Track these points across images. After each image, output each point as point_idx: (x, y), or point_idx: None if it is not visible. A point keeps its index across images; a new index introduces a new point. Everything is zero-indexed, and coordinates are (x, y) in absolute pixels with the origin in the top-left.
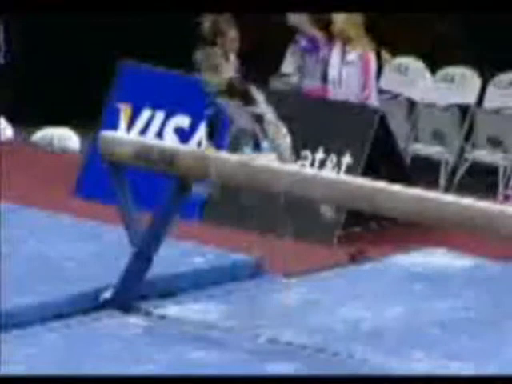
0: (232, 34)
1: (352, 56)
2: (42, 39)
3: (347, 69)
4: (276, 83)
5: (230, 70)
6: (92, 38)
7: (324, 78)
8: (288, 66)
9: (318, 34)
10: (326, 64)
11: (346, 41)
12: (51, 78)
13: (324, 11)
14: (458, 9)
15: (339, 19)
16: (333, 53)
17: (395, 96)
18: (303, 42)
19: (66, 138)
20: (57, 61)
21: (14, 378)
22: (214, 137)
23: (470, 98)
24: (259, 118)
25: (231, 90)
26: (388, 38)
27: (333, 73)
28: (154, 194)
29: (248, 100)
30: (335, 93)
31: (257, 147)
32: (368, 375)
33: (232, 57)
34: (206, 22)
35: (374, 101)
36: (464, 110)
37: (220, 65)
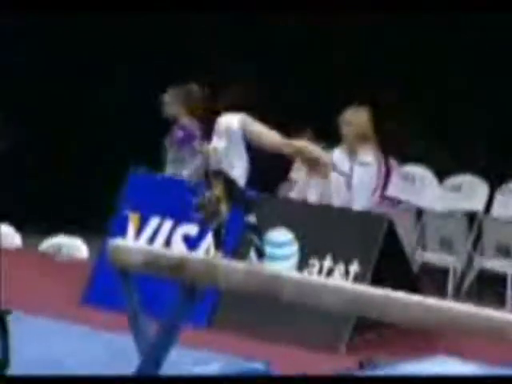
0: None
1: (368, 157)
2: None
3: (360, 170)
4: (285, 190)
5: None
6: (101, 142)
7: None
8: (297, 172)
9: (195, 125)
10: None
11: (358, 142)
12: (59, 186)
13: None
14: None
15: (354, 123)
16: (334, 153)
17: (403, 204)
18: (179, 133)
19: (74, 246)
20: (64, 170)
21: (15, 377)
22: (221, 245)
23: (478, 206)
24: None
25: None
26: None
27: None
28: (162, 301)
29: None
30: (338, 194)
31: (259, 255)
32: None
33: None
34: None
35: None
36: (472, 217)
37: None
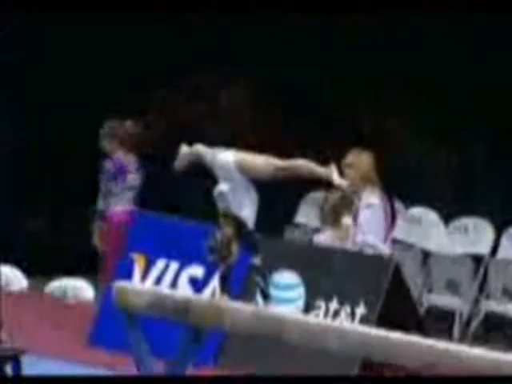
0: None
1: (372, 199)
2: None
3: (366, 212)
4: (290, 233)
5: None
6: None
7: (134, 201)
8: (303, 216)
9: (127, 158)
10: (135, 187)
11: (362, 185)
12: (63, 227)
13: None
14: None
15: (356, 166)
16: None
17: (409, 246)
18: (110, 167)
19: (80, 288)
20: (68, 212)
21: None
22: (227, 287)
23: (484, 249)
24: (258, 269)
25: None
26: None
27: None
28: (168, 343)
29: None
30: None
31: (265, 298)
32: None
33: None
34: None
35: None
36: (478, 260)
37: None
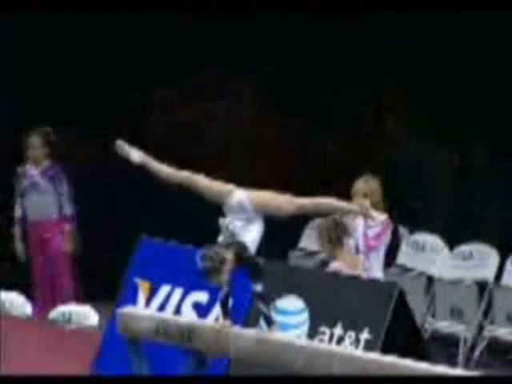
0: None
1: (375, 221)
2: None
3: (366, 231)
4: (295, 258)
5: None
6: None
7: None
8: (307, 241)
9: (55, 167)
10: (64, 195)
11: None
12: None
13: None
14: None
15: (360, 190)
16: (357, 220)
17: (413, 272)
18: (51, 172)
19: (85, 315)
20: None
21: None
22: (230, 313)
23: (488, 275)
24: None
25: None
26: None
27: (355, 239)
28: (172, 369)
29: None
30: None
31: (268, 323)
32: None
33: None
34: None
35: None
36: (482, 286)
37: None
